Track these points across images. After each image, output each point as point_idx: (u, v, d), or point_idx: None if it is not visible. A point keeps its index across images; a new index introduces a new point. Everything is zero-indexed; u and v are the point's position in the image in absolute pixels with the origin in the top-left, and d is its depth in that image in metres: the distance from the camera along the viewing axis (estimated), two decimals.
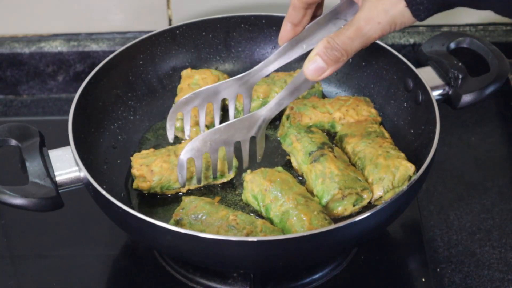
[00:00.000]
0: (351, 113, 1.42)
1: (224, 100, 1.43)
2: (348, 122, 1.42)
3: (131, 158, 1.35)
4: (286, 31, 1.22)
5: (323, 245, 1.16)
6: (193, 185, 1.34)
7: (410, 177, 1.30)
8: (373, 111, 1.44)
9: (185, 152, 1.24)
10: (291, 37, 1.23)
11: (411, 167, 1.30)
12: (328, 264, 1.33)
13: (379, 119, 1.43)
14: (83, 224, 1.42)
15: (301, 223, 1.23)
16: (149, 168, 1.32)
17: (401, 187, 1.30)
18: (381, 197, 1.31)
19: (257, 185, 1.29)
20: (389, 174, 1.30)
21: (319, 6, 1.23)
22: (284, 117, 1.43)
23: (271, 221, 1.27)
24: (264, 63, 1.27)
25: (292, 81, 1.20)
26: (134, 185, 1.33)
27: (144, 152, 1.36)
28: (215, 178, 1.34)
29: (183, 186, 1.31)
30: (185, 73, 1.51)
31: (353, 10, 1.18)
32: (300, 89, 1.20)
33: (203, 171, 1.32)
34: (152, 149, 1.37)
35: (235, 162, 1.35)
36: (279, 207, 1.26)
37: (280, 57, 1.25)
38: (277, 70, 1.32)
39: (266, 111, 1.24)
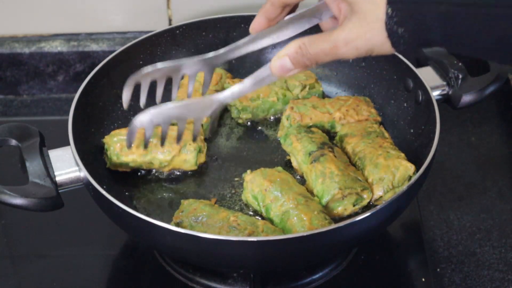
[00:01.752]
0: (351, 113, 1.42)
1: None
2: (348, 122, 1.42)
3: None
4: (259, 23, 1.19)
5: (323, 245, 1.16)
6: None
7: (410, 177, 1.30)
8: (373, 111, 1.44)
9: (136, 121, 1.17)
10: (263, 29, 1.20)
11: (411, 167, 1.30)
12: (328, 264, 1.33)
13: (379, 119, 1.43)
14: (83, 224, 1.42)
15: (302, 223, 1.23)
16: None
17: (401, 187, 1.30)
18: (381, 197, 1.31)
19: (257, 185, 1.30)
20: (389, 174, 1.30)
21: (297, 5, 1.20)
22: (284, 117, 1.43)
23: (271, 221, 1.27)
24: (232, 47, 1.23)
25: (257, 73, 1.16)
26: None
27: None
28: (162, 145, 1.26)
29: (129, 147, 1.22)
30: None
31: (330, 13, 1.16)
32: (264, 81, 1.16)
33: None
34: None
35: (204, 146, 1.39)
36: (279, 207, 1.26)
37: (249, 45, 1.22)
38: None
39: (224, 97, 1.19)
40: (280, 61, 1.10)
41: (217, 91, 1.47)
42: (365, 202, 1.30)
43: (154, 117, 1.17)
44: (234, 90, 1.18)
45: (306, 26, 1.19)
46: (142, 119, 1.17)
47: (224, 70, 1.52)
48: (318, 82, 1.50)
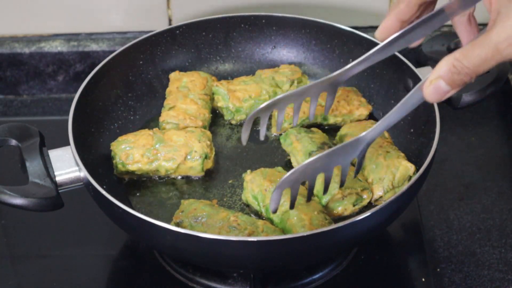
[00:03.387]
0: (342, 103, 1.43)
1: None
2: (341, 113, 1.42)
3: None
4: (391, 26, 1.09)
5: (323, 245, 1.16)
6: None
7: (410, 177, 1.30)
8: (363, 100, 1.45)
9: (282, 184, 1.12)
10: (394, 34, 1.10)
11: (411, 167, 1.30)
12: (328, 264, 1.33)
13: (370, 107, 1.44)
14: (83, 224, 1.42)
15: (302, 223, 1.22)
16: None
17: (401, 187, 1.30)
18: (381, 197, 1.31)
19: (257, 185, 1.29)
20: (389, 174, 1.30)
21: (434, 3, 1.11)
22: (276, 113, 1.43)
23: (271, 221, 1.27)
24: (358, 62, 1.18)
25: (404, 101, 1.09)
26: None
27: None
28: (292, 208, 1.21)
29: (274, 212, 1.19)
30: (173, 75, 1.50)
31: (464, 8, 1.05)
32: (410, 108, 1.10)
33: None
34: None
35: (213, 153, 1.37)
36: (279, 207, 1.26)
37: (376, 55, 1.15)
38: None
39: (372, 135, 1.14)
40: (433, 86, 0.98)
41: (206, 94, 1.46)
42: (365, 202, 1.30)
43: (301, 175, 1.13)
44: (379, 126, 1.12)
45: (436, 25, 1.08)
46: (290, 179, 1.12)
47: (209, 74, 1.51)
48: (305, 75, 1.51)
